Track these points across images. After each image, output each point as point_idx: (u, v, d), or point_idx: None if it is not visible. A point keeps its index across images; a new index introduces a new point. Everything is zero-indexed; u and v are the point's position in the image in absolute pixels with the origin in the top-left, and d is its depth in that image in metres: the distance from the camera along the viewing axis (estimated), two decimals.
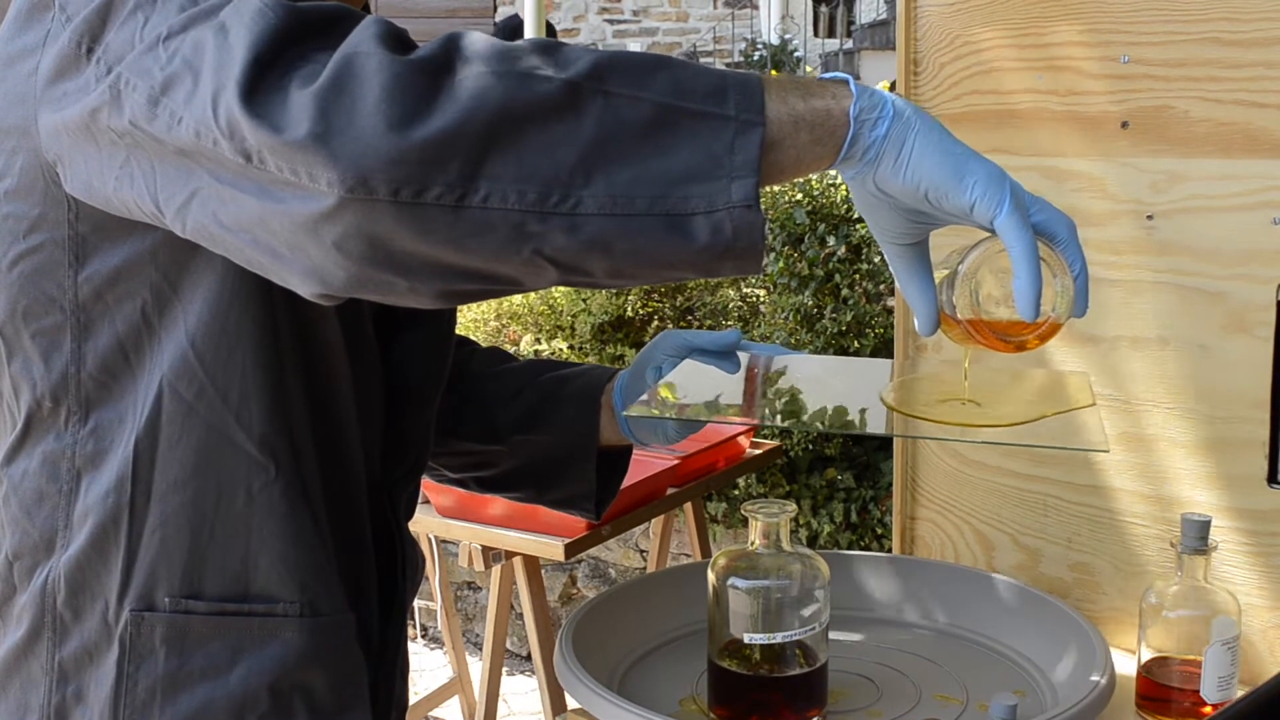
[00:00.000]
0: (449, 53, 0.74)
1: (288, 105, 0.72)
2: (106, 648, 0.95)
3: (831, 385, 1.22)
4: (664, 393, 1.14)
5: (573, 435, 1.22)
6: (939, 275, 0.93)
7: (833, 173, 3.66)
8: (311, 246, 0.75)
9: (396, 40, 0.75)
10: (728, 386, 1.16)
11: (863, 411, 1.12)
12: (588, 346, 3.48)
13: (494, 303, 3.64)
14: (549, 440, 1.23)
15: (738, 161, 0.75)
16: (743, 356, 1.19)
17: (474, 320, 3.64)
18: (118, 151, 0.82)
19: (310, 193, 0.73)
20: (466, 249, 0.75)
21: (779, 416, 1.14)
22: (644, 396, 1.16)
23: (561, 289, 3.53)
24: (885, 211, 0.87)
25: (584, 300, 3.47)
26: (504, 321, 3.64)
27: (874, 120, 0.81)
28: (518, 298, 3.60)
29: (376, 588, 1.07)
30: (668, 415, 1.15)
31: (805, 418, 1.12)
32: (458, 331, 1.22)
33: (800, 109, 0.79)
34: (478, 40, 0.75)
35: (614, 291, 3.45)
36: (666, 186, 0.74)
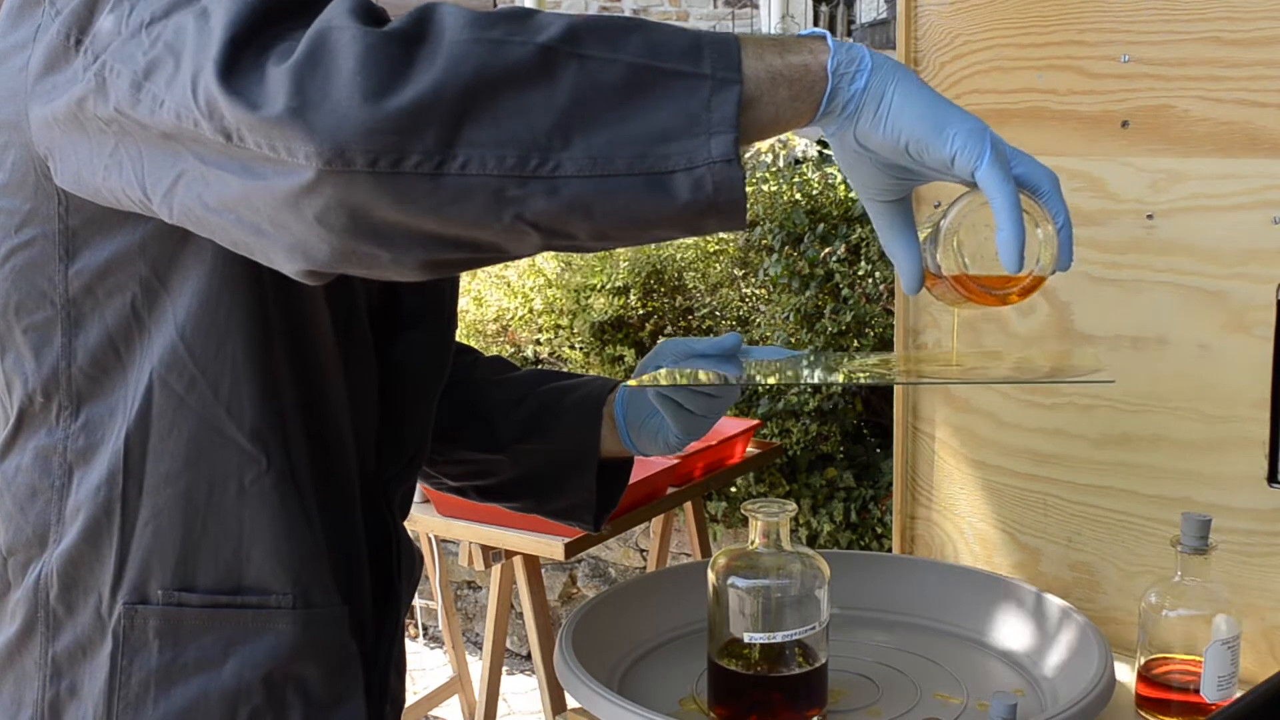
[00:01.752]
0: (422, 23, 0.74)
1: (264, 82, 0.73)
2: (100, 641, 0.96)
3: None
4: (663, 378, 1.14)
5: (573, 445, 1.22)
6: (923, 233, 0.93)
7: (832, 172, 3.67)
8: (294, 222, 0.75)
9: (370, 14, 0.75)
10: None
11: (864, 374, 1.15)
12: (588, 346, 3.48)
13: (493, 304, 3.64)
14: (549, 450, 1.23)
15: (715, 118, 0.75)
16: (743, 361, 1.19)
17: (475, 321, 3.64)
18: (106, 140, 0.83)
19: (290, 167, 0.73)
20: (447, 216, 0.75)
21: (775, 376, 1.14)
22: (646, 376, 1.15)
23: (560, 288, 3.53)
24: (867, 167, 0.87)
25: (584, 299, 3.46)
26: (505, 323, 3.64)
27: (852, 74, 0.81)
28: (517, 298, 3.60)
29: (370, 582, 1.07)
30: (670, 382, 1.15)
31: (803, 375, 1.13)
32: (460, 339, 1.22)
33: (777, 65, 0.79)
34: (450, 10, 0.75)
35: (614, 292, 3.45)
36: (645, 145, 0.74)
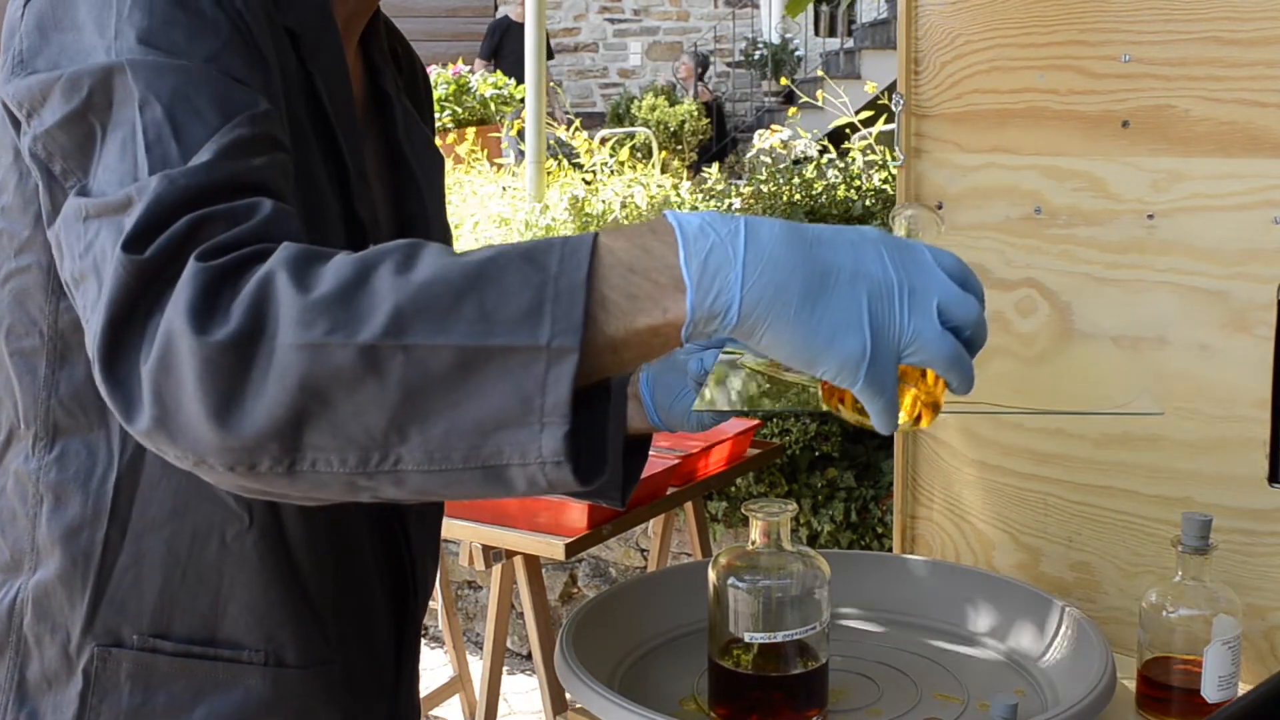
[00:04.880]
0: (257, 316, 0.73)
1: (134, 383, 0.74)
2: (66, 678, 0.96)
3: None
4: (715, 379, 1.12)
5: None
6: None
7: (832, 175, 3.64)
8: (204, 470, 0.77)
9: (209, 298, 0.73)
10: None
11: None
12: None
13: None
14: None
15: (549, 404, 0.72)
16: None
17: None
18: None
19: (168, 454, 0.76)
20: (316, 497, 0.77)
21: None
22: (706, 390, 1.12)
23: None
24: None
25: None
26: None
27: (715, 328, 0.76)
28: None
29: (385, 613, 1.07)
30: (740, 410, 1.14)
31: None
32: None
33: (620, 336, 0.74)
34: (284, 293, 0.73)
35: None
36: (479, 437, 0.73)
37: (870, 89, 5.32)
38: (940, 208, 1.58)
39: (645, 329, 0.74)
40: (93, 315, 0.76)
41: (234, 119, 0.81)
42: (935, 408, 0.87)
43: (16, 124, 0.87)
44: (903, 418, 0.84)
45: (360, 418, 0.72)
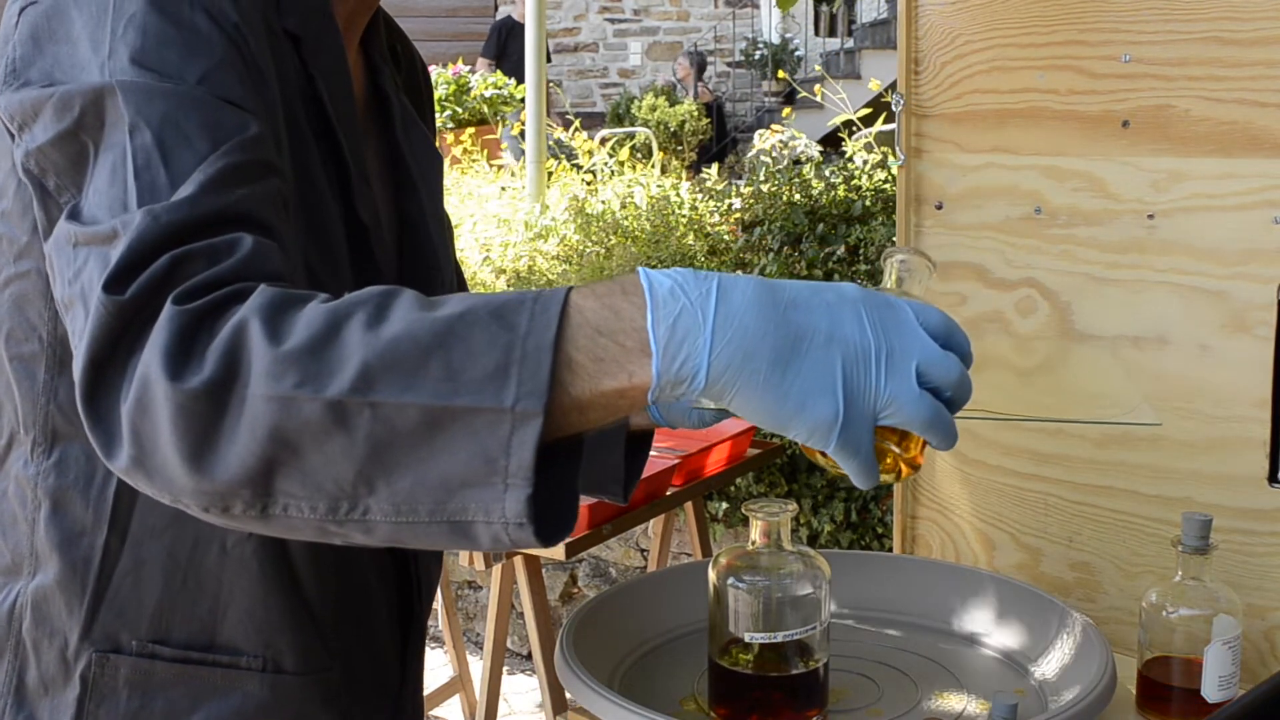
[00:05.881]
0: (228, 368, 0.73)
1: (114, 421, 0.76)
2: (64, 683, 0.96)
3: None
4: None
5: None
6: None
7: (829, 173, 3.63)
8: (181, 508, 0.78)
9: (180, 342, 0.74)
10: None
11: None
12: None
13: None
14: None
15: (513, 466, 0.72)
16: None
17: None
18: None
19: (147, 491, 0.77)
20: (291, 537, 0.79)
21: None
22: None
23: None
24: None
25: None
26: None
27: (681, 393, 0.75)
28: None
29: (393, 617, 1.08)
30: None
31: None
32: None
33: (586, 398, 0.74)
34: (255, 341, 0.73)
35: None
36: (444, 494, 0.73)
37: (874, 86, 5.30)
38: (940, 208, 1.58)
39: (611, 391, 0.74)
40: (78, 347, 0.77)
41: (223, 145, 0.82)
42: (916, 464, 0.87)
43: (11, 134, 0.87)
44: (883, 474, 0.85)
45: (329, 468, 0.73)
